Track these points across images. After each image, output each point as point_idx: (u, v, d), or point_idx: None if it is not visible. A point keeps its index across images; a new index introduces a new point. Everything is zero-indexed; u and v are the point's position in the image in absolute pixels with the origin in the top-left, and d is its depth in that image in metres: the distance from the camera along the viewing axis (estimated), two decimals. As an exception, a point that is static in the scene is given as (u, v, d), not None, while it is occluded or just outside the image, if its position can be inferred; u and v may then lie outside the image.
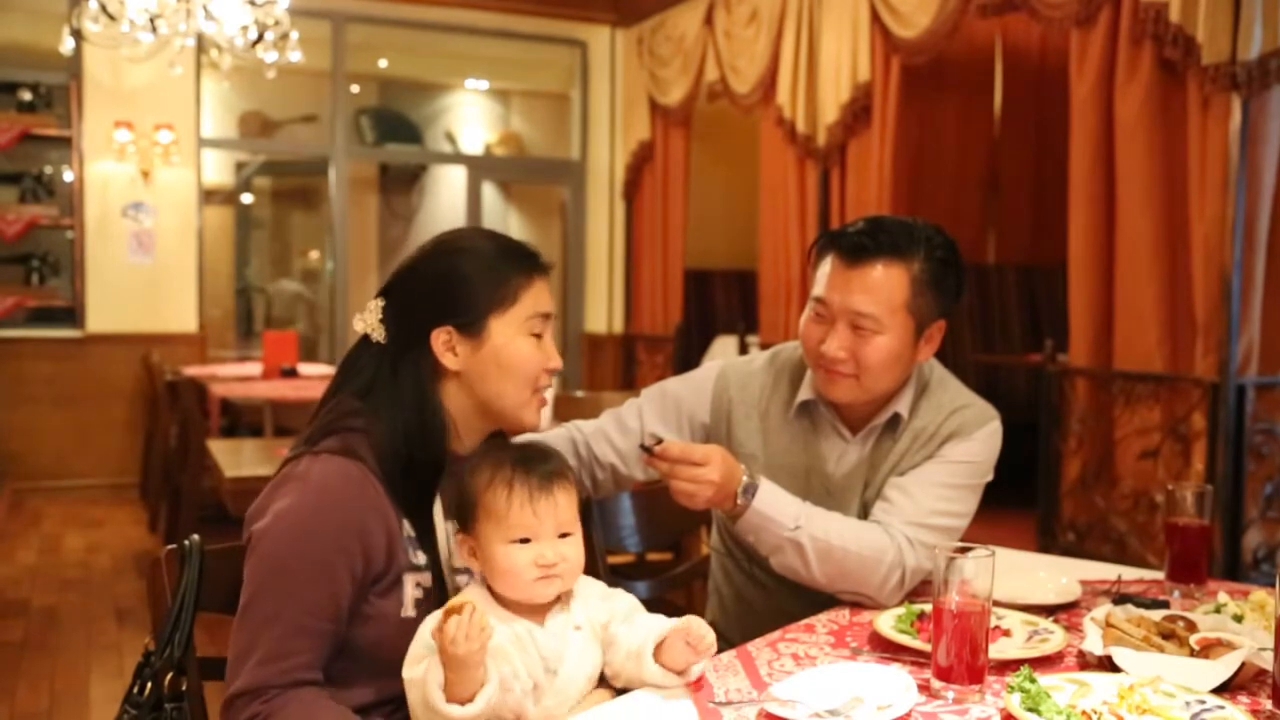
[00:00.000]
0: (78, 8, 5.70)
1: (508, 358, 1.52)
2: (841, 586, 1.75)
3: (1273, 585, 1.57)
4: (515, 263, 1.54)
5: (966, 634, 1.35)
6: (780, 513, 1.73)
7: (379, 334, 1.52)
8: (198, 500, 4.89)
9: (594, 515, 1.99)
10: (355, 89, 8.74)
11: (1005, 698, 1.29)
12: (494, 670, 1.32)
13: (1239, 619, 1.59)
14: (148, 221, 6.89)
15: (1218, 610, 1.62)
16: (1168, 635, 1.50)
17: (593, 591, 1.47)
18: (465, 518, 1.44)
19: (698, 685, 1.40)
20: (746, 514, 1.72)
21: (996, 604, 1.59)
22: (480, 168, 8.75)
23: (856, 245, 1.78)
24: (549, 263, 1.59)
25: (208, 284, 7.35)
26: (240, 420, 6.29)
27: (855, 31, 5.76)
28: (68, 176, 6.93)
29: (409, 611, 1.44)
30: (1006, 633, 1.60)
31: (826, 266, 1.82)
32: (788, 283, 6.39)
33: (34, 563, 5.30)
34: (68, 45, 5.90)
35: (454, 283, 1.52)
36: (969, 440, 1.84)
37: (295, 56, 5.69)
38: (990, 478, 1.88)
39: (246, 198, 10.18)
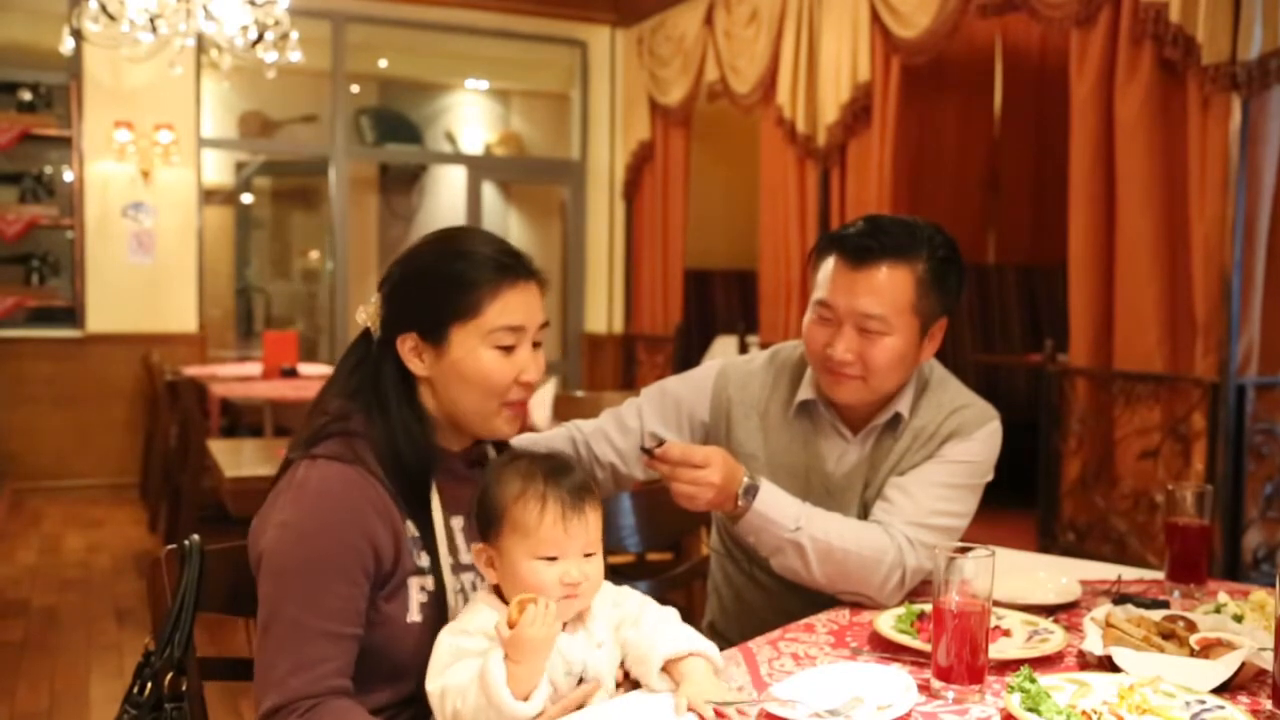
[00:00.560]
0: (78, 8, 5.70)
1: (468, 370, 1.46)
2: (842, 587, 1.75)
3: (1273, 585, 1.57)
4: (483, 271, 1.46)
5: (966, 634, 1.35)
6: (781, 514, 1.73)
7: (376, 328, 1.51)
8: (198, 500, 4.89)
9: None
10: (355, 89, 8.74)
11: (1005, 698, 1.29)
12: (545, 673, 1.30)
13: (1239, 619, 1.59)
14: (148, 221, 6.89)
15: (1218, 610, 1.62)
16: (1168, 635, 1.50)
17: (604, 600, 1.44)
18: (488, 528, 1.39)
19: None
20: (747, 515, 1.72)
21: (996, 604, 1.59)
22: (480, 168, 8.75)
23: (861, 248, 1.77)
24: (531, 269, 1.50)
25: (208, 284, 7.35)
26: (240, 420, 6.29)
27: (855, 31, 5.76)
28: (68, 176, 6.93)
29: (414, 616, 1.43)
30: (1006, 633, 1.60)
31: (829, 269, 1.81)
32: (788, 283, 6.39)
33: (34, 563, 5.30)
34: (68, 45, 5.89)
35: (420, 289, 1.48)
36: (969, 440, 1.84)
37: (295, 56, 5.69)
38: (990, 478, 1.88)
39: (246, 198, 10.18)
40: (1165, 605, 1.69)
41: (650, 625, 1.41)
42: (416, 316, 1.48)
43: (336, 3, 7.39)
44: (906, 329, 1.78)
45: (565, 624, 1.37)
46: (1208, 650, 1.45)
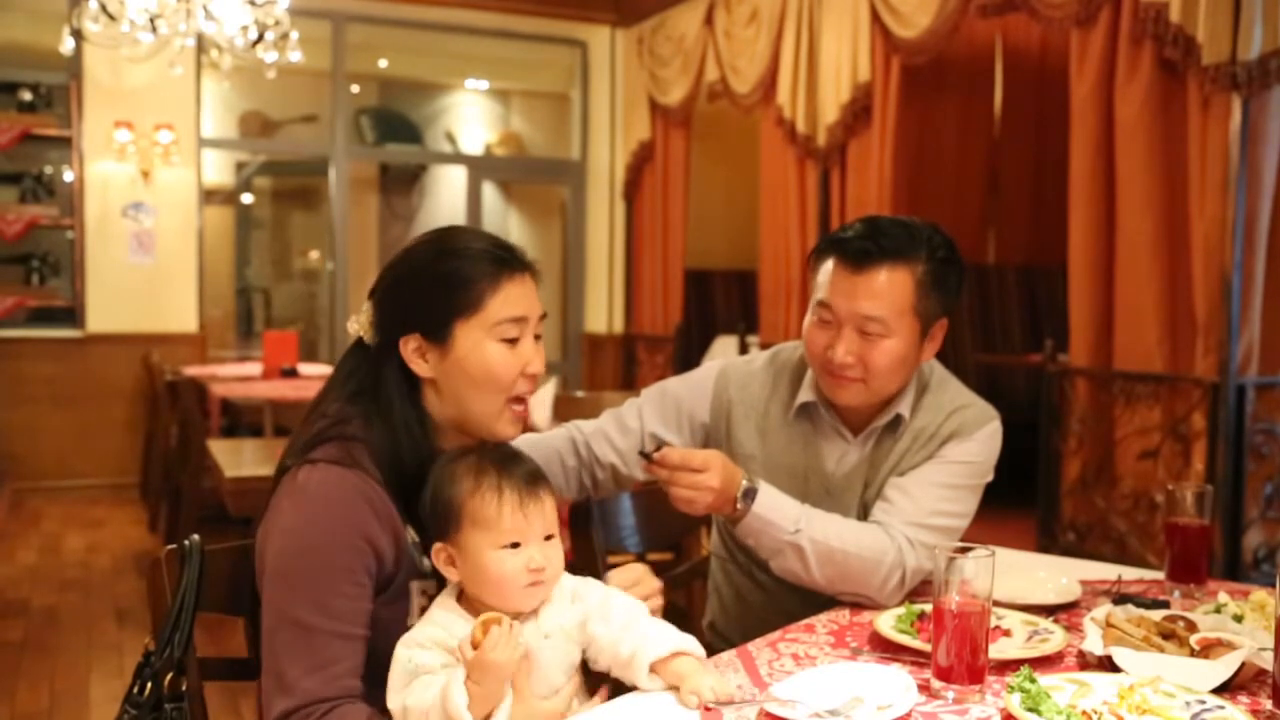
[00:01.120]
0: (78, 8, 5.70)
1: (474, 365, 1.46)
2: (842, 588, 1.75)
3: (1273, 585, 1.57)
4: (481, 265, 1.47)
5: (966, 634, 1.35)
6: (780, 516, 1.72)
7: (370, 336, 1.51)
8: (198, 500, 4.89)
9: (594, 515, 1.99)
10: (355, 89, 8.74)
11: (1005, 698, 1.29)
12: (509, 686, 1.30)
13: (1239, 619, 1.59)
14: (148, 221, 6.90)
15: (1218, 610, 1.62)
16: (1168, 635, 1.50)
17: (560, 594, 1.42)
18: (445, 527, 1.38)
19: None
20: (746, 518, 1.72)
21: (996, 604, 1.59)
22: (480, 168, 8.75)
23: (861, 250, 1.77)
24: (526, 261, 1.51)
25: (208, 284, 7.35)
26: (240, 420, 6.30)
27: (855, 31, 5.76)
28: (68, 176, 6.93)
29: (416, 620, 1.43)
30: (1006, 633, 1.59)
31: (829, 271, 1.81)
32: (788, 283, 6.39)
33: (34, 563, 5.30)
34: (68, 45, 5.89)
35: (419, 289, 1.48)
36: (969, 440, 1.83)
37: (295, 56, 5.69)
38: (990, 478, 1.88)
39: (246, 198, 10.18)
40: (1165, 605, 1.68)
41: (622, 624, 1.40)
42: (418, 317, 1.47)
43: (336, 3, 7.39)
44: (907, 331, 1.78)
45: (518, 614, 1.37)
46: (1208, 650, 1.44)
